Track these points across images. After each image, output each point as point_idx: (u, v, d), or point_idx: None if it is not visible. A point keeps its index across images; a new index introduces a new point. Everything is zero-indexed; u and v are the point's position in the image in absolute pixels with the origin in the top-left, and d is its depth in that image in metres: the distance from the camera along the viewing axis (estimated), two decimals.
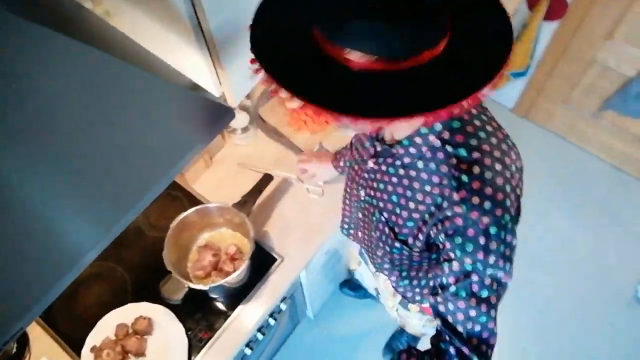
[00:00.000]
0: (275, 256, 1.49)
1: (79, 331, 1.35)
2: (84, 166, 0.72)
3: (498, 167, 0.80)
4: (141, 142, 0.79)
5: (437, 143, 0.82)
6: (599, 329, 2.20)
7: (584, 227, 2.45)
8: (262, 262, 1.47)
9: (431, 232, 0.88)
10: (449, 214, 0.81)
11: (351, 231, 1.30)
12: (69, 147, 0.66)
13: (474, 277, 0.82)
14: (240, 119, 1.62)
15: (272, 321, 1.54)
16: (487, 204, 0.78)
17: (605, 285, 2.30)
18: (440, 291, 0.88)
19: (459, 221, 0.80)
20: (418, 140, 0.84)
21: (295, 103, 1.82)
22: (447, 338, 0.89)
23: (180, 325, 1.35)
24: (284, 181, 1.60)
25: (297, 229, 1.53)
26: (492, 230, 0.78)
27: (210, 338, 1.37)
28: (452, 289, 0.84)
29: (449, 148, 0.81)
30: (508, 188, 0.80)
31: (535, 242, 2.40)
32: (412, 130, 0.83)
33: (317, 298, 2.05)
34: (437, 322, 0.92)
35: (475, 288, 0.83)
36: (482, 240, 0.79)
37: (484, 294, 0.84)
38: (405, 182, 0.89)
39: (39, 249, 0.50)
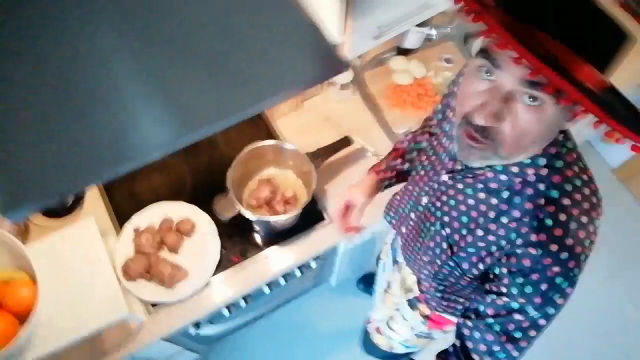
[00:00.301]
0: (325, 216, 1.50)
1: (129, 208, 1.44)
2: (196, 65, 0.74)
3: (584, 219, 0.76)
4: (250, 61, 0.80)
5: (532, 178, 0.77)
6: None
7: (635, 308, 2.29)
8: (311, 216, 1.49)
9: (494, 264, 0.84)
10: (519, 252, 0.77)
11: (394, 221, 1.26)
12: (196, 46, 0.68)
13: (517, 317, 0.79)
14: (344, 75, 1.60)
15: (298, 273, 1.58)
16: (564, 255, 0.74)
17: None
18: (473, 316, 0.86)
19: (528, 262, 0.76)
20: (514, 169, 0.78)
21: (406, 80, 1.76)
22: None
23: (219, 241, 1.41)
24: (360, 150, 1.59)
25: None
26: (558, 280, 0.75)
27: (239, 263, 1.43)
28: (489, 320, 0.82)
29: (541, 186, 0.77)
30: (587, 243, 0.76)
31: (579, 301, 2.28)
32: (524, 157, 0.77)
33: (345, 270, 2.06)
34: (453, 343, 0.91)
35: (511, 327, 0.81)
36: (544, 287, 0.76)
37: (518, 335, 0.81)
38: (483, 208, 0.84)
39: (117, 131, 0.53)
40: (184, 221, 1.40)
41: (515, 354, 0.82)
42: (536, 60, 0.57)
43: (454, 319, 1.20)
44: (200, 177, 1.54)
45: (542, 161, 0.77)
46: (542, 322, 0.79)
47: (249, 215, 1.33)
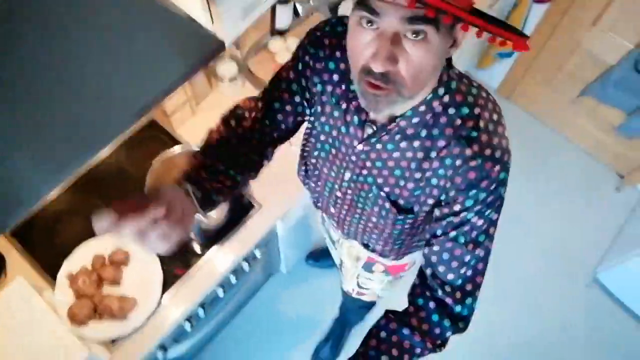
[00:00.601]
0: (254, 203, 1.54)
1: (56, 258, 1.39)
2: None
3: (495, 117, 0.85)
4: (130, 68, 0.82)
5: (440, 108, 0.84)
6: (558, 307, 2.31)
7: (550, 209, 2.55)
8: (240, 207, 1.52)
9: (442, 193, 0.89)
10: (461, 170, 0.83)
11: (319, 204, 1.27)
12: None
13: (477, 223, 0.86)
14: (229, 68, 1.64)
15: (246, 266, 1.60)
16: (498, 153, 0.82)
17: (567, 266, 2.41)
18: (434, 241, 0.91)
19: (473, 174, 0.83)
20: (422, 108, 0.83)
21: (284, 58, 1.76)
22: (428, 293, 0.92)
23: (157, 259, 1.40)
24: None
25: (278, 180, 1.56)
26: (502, 175, 0.83)
27: (184, 274, 1.43)
28: (452, 234, 0.88)
29: (451, 110, 0.83)
30: (506, 133, 0.86)
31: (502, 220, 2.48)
32: (419, 101, 0.83)
33: (292, 253, 2.11)
34: (424, 273, 0.94)
35: (474, 234, 0.88)
36: (492, 187, 0.83)
37: (482, 238, 0.89)
38: (409, 154, 0.88)
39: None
40: (116, 252, 1.38)
41: (483, 253, 0.90)
42: None
43: (415, 256, 1.28)
44: None
45: (441, 90, 0.83)
46: (495, 216, 0.88)
47: None
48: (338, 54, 0.93)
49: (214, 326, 1.86)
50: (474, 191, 0.84)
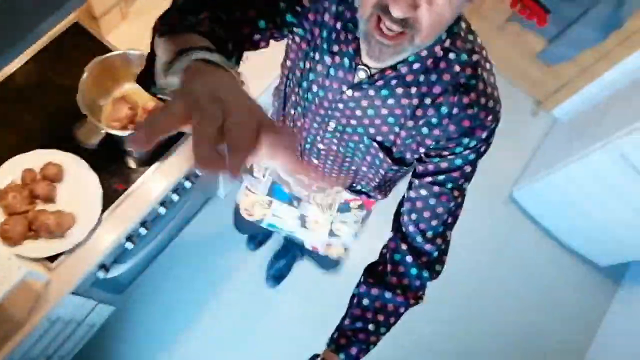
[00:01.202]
0: None
1: None
2: None
3: (488, 66, 0.85)
4: None
5: (440, 52, 0.80)
6: (478, 224, 2.50)
7: None
8: None
9: (435, 141, 0.87)
10: (457, 118, 0.83)
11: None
12: None
13: (467, 169, 0.88)
14: None
15: (187, 184, 1.55)
16: (491, 102, 0.83)
17: (487, 186, 2.59)
18: (419, 183, 0.90)
19: (468, 123, 0.83)
20: (424, 53, 0.79)
21: None
22: (404, 246, 0.92)
23: (94, 174, 1.31)
24: None
25: None
26: (493, 125, 0.85)
27: (125, 191, 1.36)
28: (441, 178, 0.88)
29: (451, 55, 0.80)
30: (495, 82, 0.86)
31: None
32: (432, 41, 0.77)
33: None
34: (402, 222, 0.93)
35: (460, 181, 0.89)
36: (484, 135, 0.85)
37: (465, 185, 0.90)
38: (405, 101, 0.84)
39: None
40: (47, 166, 1.27)
41: (461, 199, 0.92)
42: None
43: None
44: (48, 117, 1.38)
45: (443, 35, 0.78)
46: (474, 158, 0.89)
47: (118, 132, 1.25)
48: None
49: (154, 246, 1.81)
50: (466, 139, 0.84)
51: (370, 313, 0.92)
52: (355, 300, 0.95)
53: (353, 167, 1.06)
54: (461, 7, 0.71)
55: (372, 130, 0.91)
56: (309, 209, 1.42)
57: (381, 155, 0.95)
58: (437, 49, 0.80)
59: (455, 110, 0.82)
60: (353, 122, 0.92)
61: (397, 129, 0.89)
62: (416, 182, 0.91)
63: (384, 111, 0.87)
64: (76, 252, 1.26)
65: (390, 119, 0.88)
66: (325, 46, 0.85)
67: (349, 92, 0.87)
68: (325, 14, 0.83)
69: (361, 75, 0.84)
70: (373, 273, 0.96)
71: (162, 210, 1.51)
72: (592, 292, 2.56)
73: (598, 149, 2.01)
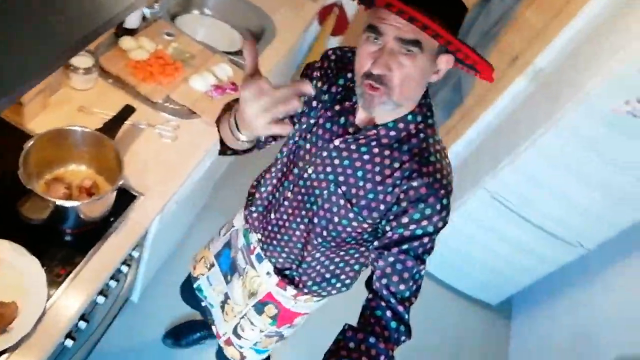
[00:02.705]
0: (135, 193, 1.44)
1: None
2: None
3: (448, 160, 1.07)
4: None
5: (414, 130, 1.03)
6: None
7: None
8: (120, 199, 1.41)
9: (393, 203, 1.02)
10: (415, 184, 0.99)
11: (255, 214, 1.32)
12: None
13: (425, 239, 1.01)
14: (84, 59, 1.54)
15: (124, 268, 1.46)
16: (445, 181, 1.01)
17: None
18: (386, 253, 1.01)
19: (424, 190, 0.99)
20: (401, 125, 1.02)
21: (143, 55, 1.84)
22: (383, 304, 1.00)
23: (35, 260, 1.18)
24: (132, 127, 1.57)
25: (154, 170, 1.51)
26: (445, 201, 1.01)
27: (70, 273, 1.24)
28: (405, 246, 1.00)
29: (422, 135, 1.03)
30: (450, 177, 1.06)
31: None
32: (402, 114, 1.01)
33: (152, 266, 1.96)
34: (376, 288, 1.02)
35: (420, 250, 1.01)
36: (438, 206, 1.00)
37: (425, 257, 1.03)
38: (377, 159, 1.03)
39: None
40: None
41: (423, 272, 1.04)
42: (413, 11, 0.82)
43: (314, 308, 1.39)
44: None
45: (419, 118, 1.03)
46: (432, 231, 1.01)
47: (69, 203, 1.18)
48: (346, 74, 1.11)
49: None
50: (422, 204, 0.99)
51: (356, 354, 0.96)
52: (341, 344, 0.99)
53: (302, 226, 1.19)
54: (428, 73, 0.96)
55: (341, 179, 1.08)
56: (235, 290, 1.45)
57: (342, 202, 1.09)
58: (412, 127, 1.03)
59: (414, 175, 1.00)
60: (328, 169, 1.09)
61: (361, 183, 1.06)
62: (385, 252, 1.03)
63: (358, 164, 1.05)
64: (27, 344, 1.08)
65: (360, 172, 1.06)
66: (329, 105, 1.10)
67: (336, 142, 1.07)
68: (339, 87, 1.11)
69: (350, 130, 1.07)
70: (355, 327, 1.02)
71: (100, 299, 1.38)
72: (492, 331, 2.84)
73: (471, 195, 2.40)
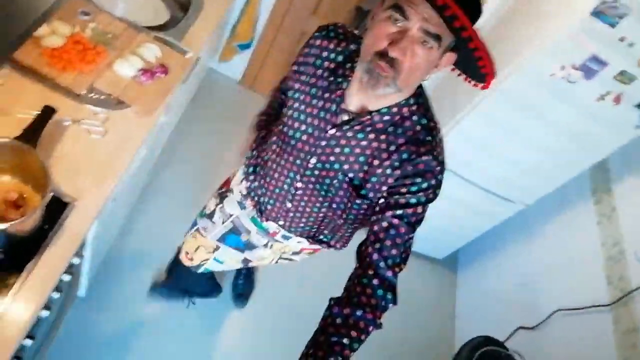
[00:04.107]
0: (68, 200, 1.34)
1: None
2: None
3: (441, 136, 1.09)
4: None
5: (407, 113, 1.05)
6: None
7: None
8: (52, 206, 1.30)
9: (395, 181, 1.06)
10: (414, 162, 1.04)
11: (269, 207, 1.33)
12: None
13: (418, 209, 1.05)
14: None
15: (66, 277, 1.38)
16: (441, 157, 1.06)
17: None
18: (381, 216, 1.05)
19: (422, 166, 1.04)
20: (394, 109, 1.04)
21: (59, 41, 1.72)
22: (370, 271, 1.02)
23: None
24: (56, 125, 1.44)
25: (85, 171, 1.40)
26: (440, 177, 1.06)
27: (6, 296, 1.15)
28: (399, 212, 1.03)
29: (415, 118, 1.06)
30: (444, 152, 1.09)
31: None
32: (392, 102, 1.04)
33: (96, 262, 1.88)
34: (367, 253, 1.04)
35: (413, 219, 1.05)
36: (433, 181, 1.05)
37: (416, 226, 1.06)
38: (375, 144, 1.06)
39: None
40: None
41: (412, 242, 1.08)
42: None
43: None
44: None
45: (412, 100, 1.05)
46: (425, 201, 1.06)
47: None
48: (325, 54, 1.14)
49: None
50: (419, 179, 1.04)
51: (344, 329, 0.98)
52: (328, 321, 1.00)
53: (323, 209, 1.24)
54: (431, 66, 0.97)
55: (346, 167, 1.11)
56: (256, 253, 1.53)
57: (350, 189, 1.14)
58: (405, 110, 1.06)
59: (413, 156, 1.05)
60: (332, 158, 1.12)
61: (366, 167, 1.10)
62: (380, 216, 1.06)
63: (358, 150, 1.08)
64: None
65: (361, 158, 1.09)
66: (318, 94, 1.12)
67: (332, 131, 1.09)
68: (318, 71, 1.14)
69: (343, 117, 1.09)
70: (341, 300, 1.03)
71: (45, 313, 1.31)
72: (439, 284, 2.98)
73: None
